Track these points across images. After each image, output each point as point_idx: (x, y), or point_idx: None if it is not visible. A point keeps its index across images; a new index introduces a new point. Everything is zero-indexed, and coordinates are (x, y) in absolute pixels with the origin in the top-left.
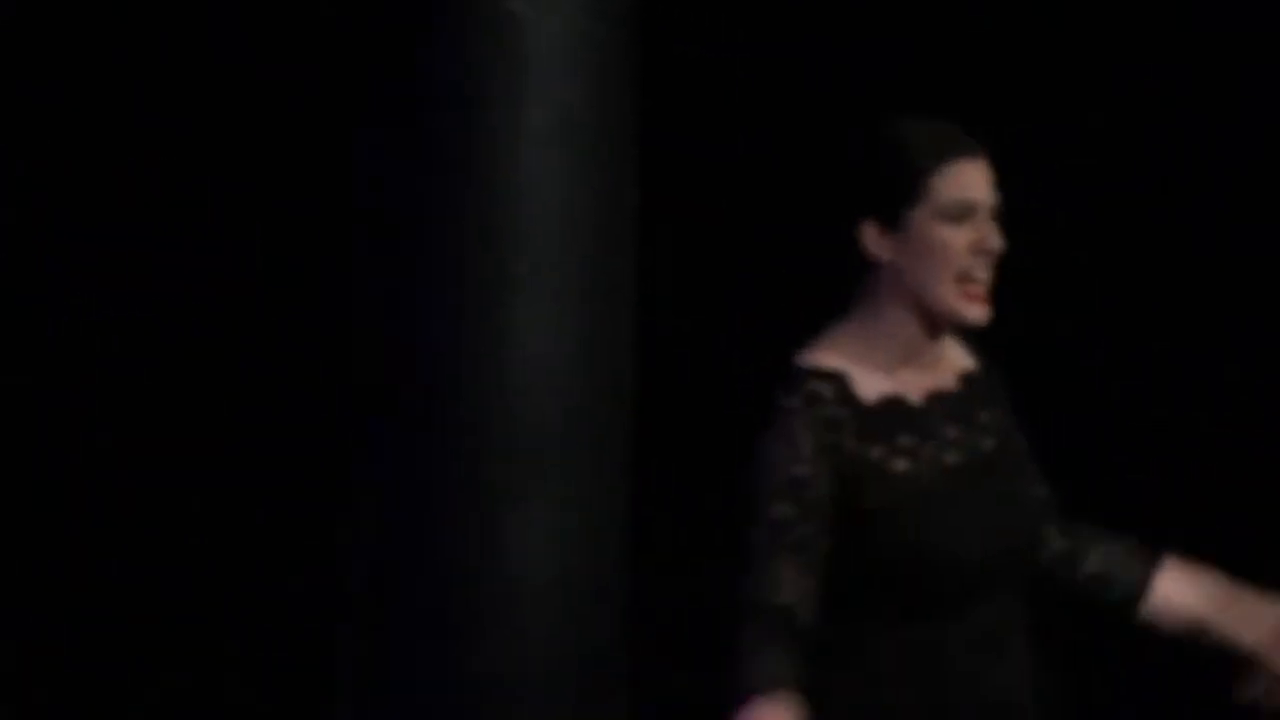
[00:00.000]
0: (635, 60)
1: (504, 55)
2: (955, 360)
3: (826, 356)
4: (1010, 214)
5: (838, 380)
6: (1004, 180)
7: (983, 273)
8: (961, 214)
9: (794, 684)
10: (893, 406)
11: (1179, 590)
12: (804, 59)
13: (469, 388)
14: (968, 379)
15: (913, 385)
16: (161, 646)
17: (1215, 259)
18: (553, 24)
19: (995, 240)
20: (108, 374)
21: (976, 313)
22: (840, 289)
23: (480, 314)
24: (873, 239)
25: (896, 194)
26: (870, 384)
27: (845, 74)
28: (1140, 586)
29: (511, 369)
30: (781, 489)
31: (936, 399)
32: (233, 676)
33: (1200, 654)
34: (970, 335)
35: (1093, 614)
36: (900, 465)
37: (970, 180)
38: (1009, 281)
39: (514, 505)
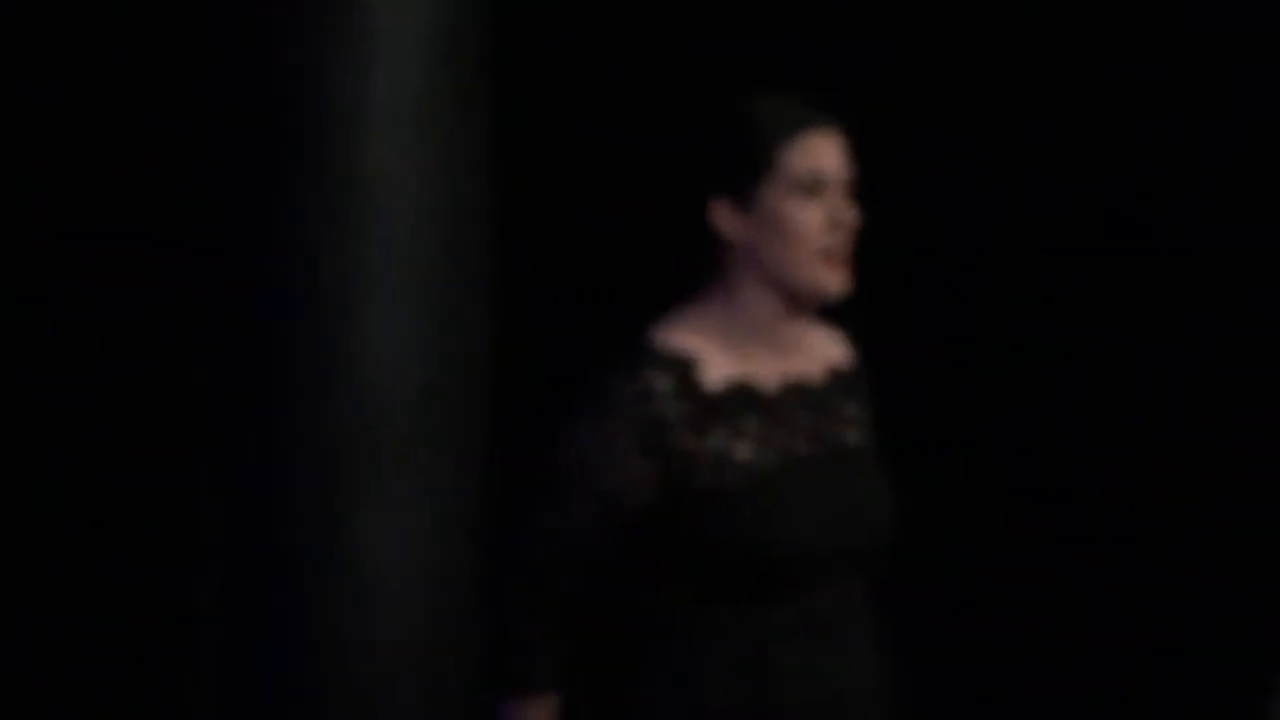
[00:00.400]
0: (489, 45)
1: (353, 41)
2: (823, 350)
3: (677, 337)
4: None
5: (682, 367)
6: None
7: (840, 247)
8: (813, 187)
9: (557, 685)
10: (742, 391)
11: None
12: (661, 34)
13: (320, 383)
14: (836, 371)
15: (769, 369)
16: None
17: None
18: (404, 7)
19: (849, 213)
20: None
21: (836, 282)
22: (693, 270)
23: (331, 307)
24: (725, 218)
25: (746, 170)
26: (720, 367)
27: (709, 48)
28: None
29: (364, 364)
30: (586, 494)
31: (795, 386)
32: (89, 675)
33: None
34: (842, 326)
35: None
36: (743, 451)
37: (821, 152)
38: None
39: (367, 502)
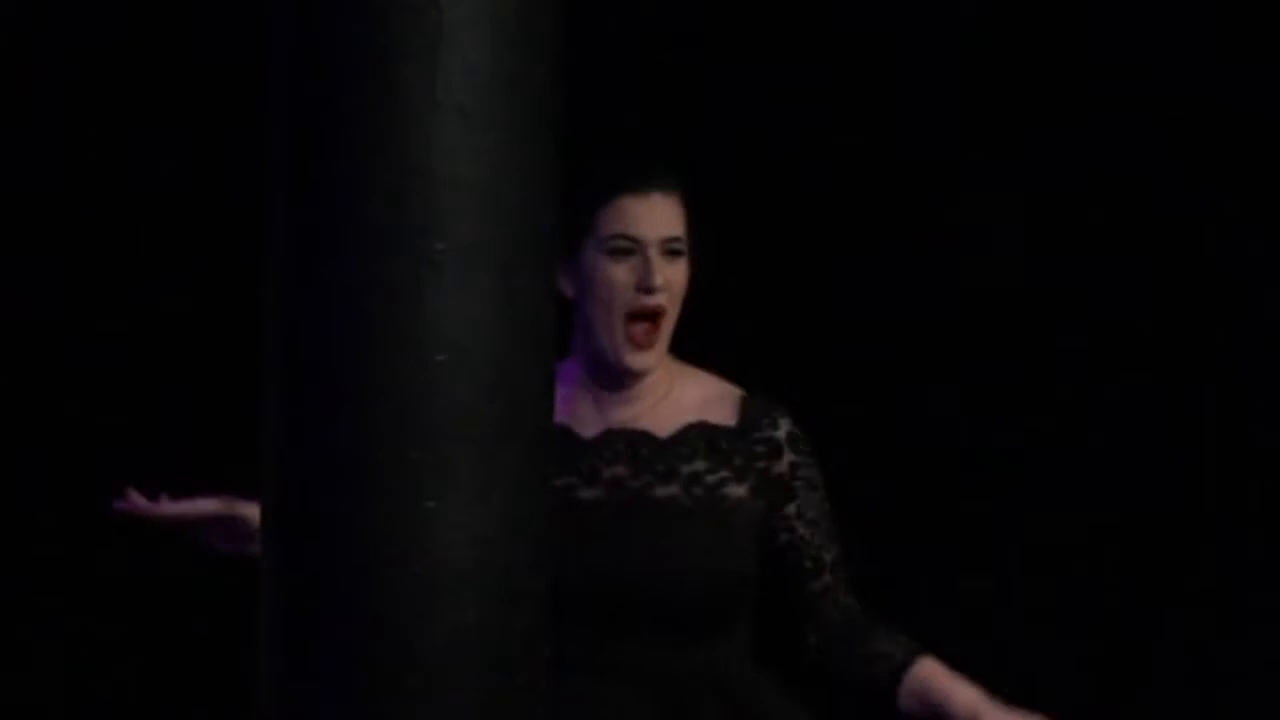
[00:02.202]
0: (558, 29)
1: (419, 24)
2: (693, 404)
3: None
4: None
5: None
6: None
7: (645, 323)
8: (622, 250)
9: None
10: (558, 436)
11: (932, 684)
12: (734, 28)
13: (387, 372)
14: (695, 428)
15: (592, 416)
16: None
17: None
18: None
19: (657, 277)
20: None
21: (638, 360)
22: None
23: (397, 297)
24: (560, 273)
25: (571, 229)
26: (560, 408)
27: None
28: (903, 672)
29: (430, 351)
30: None
31: (620, 435)
32: (155, 656)
33: None
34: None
35: (852, 692)
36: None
37: (631, 217)
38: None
39: (435, 488)
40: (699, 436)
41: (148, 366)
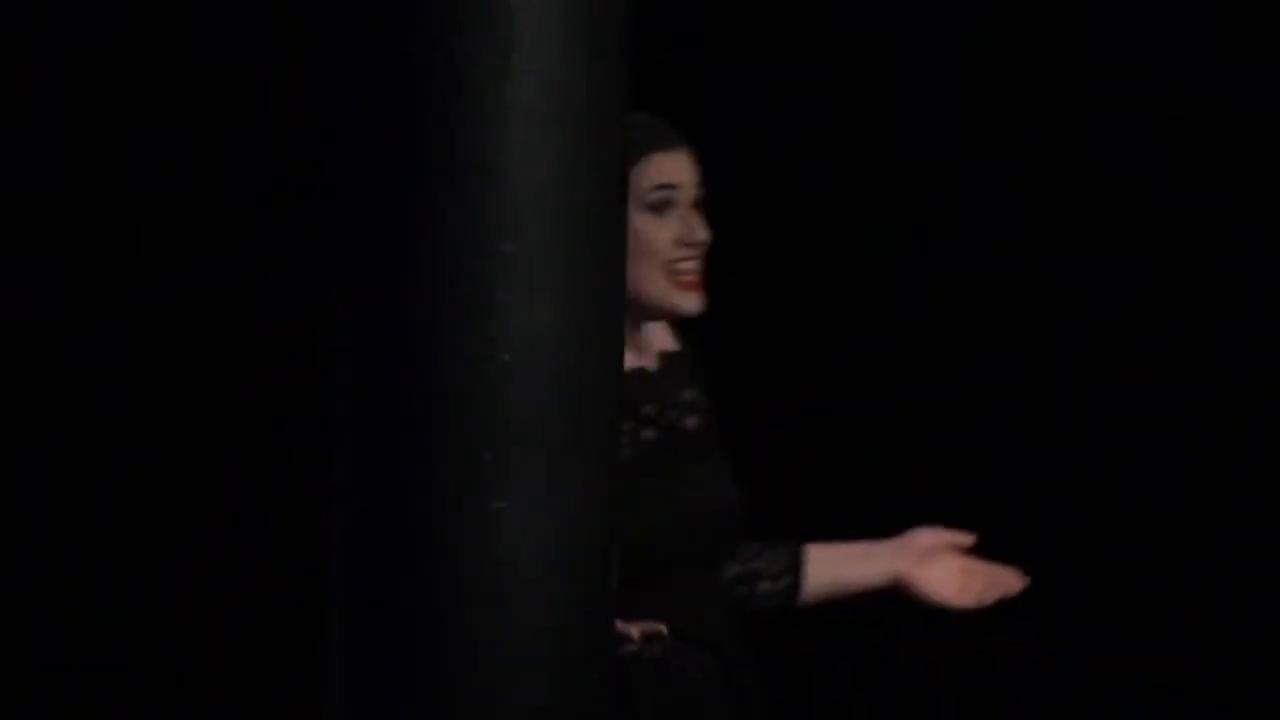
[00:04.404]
0: (626, 34)
1: (491, 28)
2: (655, 339)
3: None
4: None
5: None
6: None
7: (691, 265)
8: (663, 201)
9: None
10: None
11: (822, 566)
12: (734, 28)
13: (458, 374)
14: (668, 356)
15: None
16: (148, 643)
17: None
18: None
19: (700, 231)
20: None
21: (691, 302)
22: None
23: (467, 293)
24: None
25: None
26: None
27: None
28: (796, 578)
29: (501, 353)
30: None
31: (632, 375)
32: (221, 657)
33: None
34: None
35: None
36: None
37: (667, 168)
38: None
39: (502, 489)
40: (675, 363)
41: (148, 366)
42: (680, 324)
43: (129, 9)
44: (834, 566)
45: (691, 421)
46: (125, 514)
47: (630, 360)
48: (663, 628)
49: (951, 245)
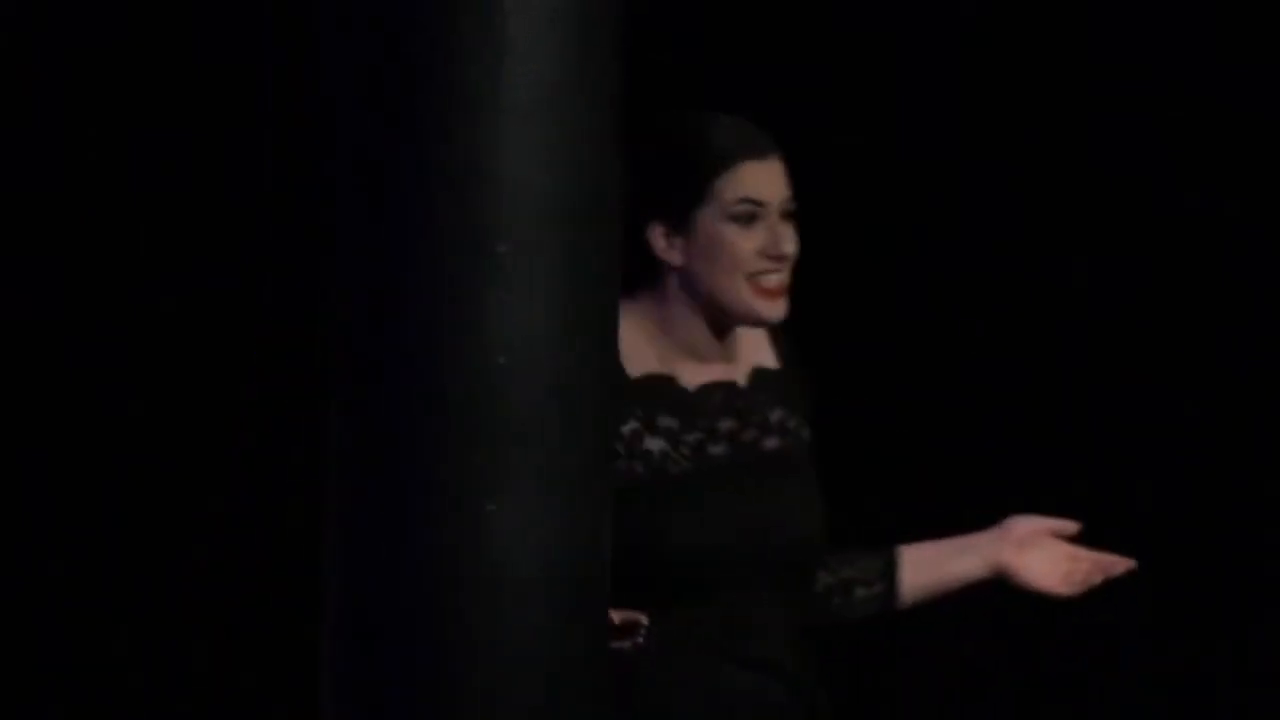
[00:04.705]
0: (619, 35)
1: (484, 29)
2: (753, 354)
3: None
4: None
5: None
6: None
7: (775, 276)
8: (748, 216)
9: None
10: (658, 385)
11: (917, 565)
12: (790, 38)
13: (450, 375)
14: (761, 374)
15: (690, 373)
16: (139, 649)
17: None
18: (534, 0)
19: (787, 244)
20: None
21: (774, 310)
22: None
23: (459, 295)
24: (660, 241)
25: (682, 198)
26: (638, 361)
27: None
28: (892, 582)
29: (494, 356)
30: None
31: (716, 388)
32: (216, 660)
33: None
34: (786, 335)
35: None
36: (655, 445)
37: (757, 181)
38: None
39: (498, 490)
40: (768, 381)
41: (148, 366)
42: (784, 341)
43: (129, 9)
44: (931, 564)
45: (772, 443)
46: (125, 514)
47: (719, 372)
48: (643, 618)
49: (951, 245)
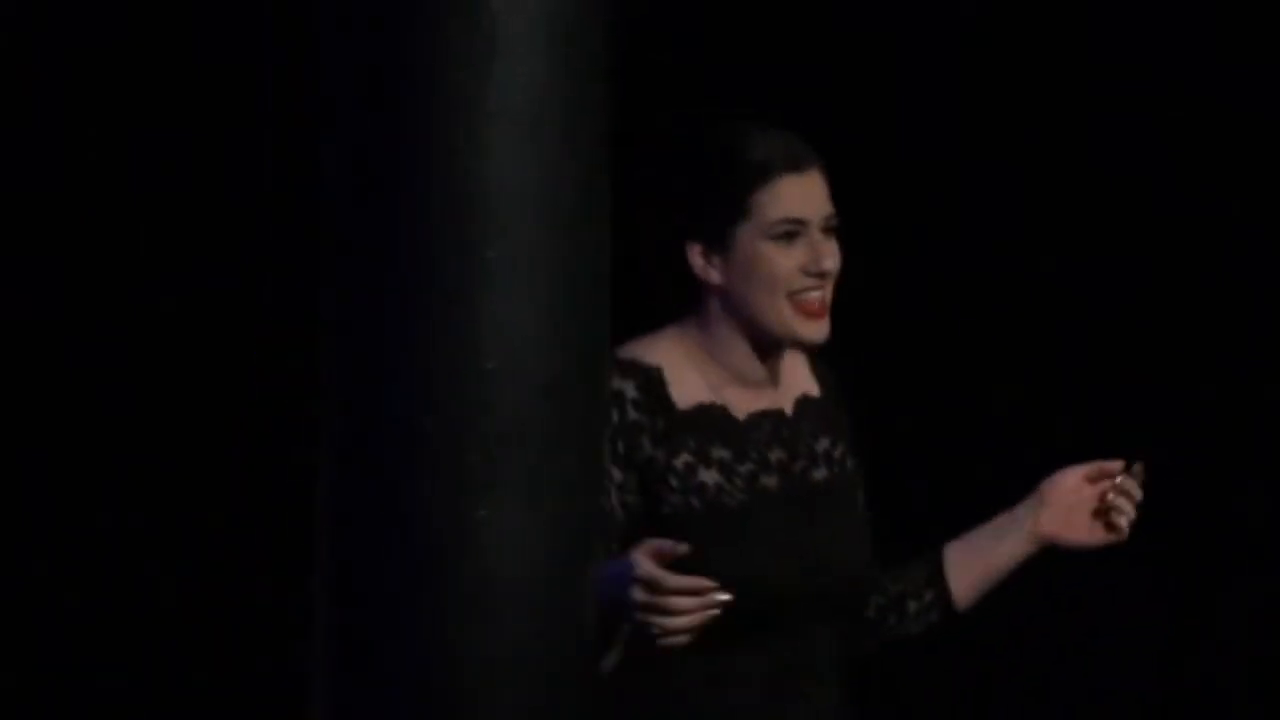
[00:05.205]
0: (608, 41)
1: (473, 35)
2: (797, 383)
3: (647, 352)
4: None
5: (648, 375)
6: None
7: (816, 293)
8: (789, 233)
9: None
10: (710, 416)
11: (962, 564)
12: (779, 45)
13: (441, 380)
14: (806, 403)
15: (740, 401)
16: (139, 649)
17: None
18: (523, 4)
19: (828, 260)
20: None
21: (814, 330)
22: (669, 296)
23: (450, 300)
24: (699, 259)
25: (720, 215)
26: (691, 389)
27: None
28: (941, 587)
29: (484, 360)
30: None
31: (764, 417)
32: (201, 677)
33: None
34: (822, 358)
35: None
36: (709, 477)
37: (796, 198)
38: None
39: (489, 493)
40: (813, 410)
41: (147, 366)
42: (819, 365)
43: (129, 9)
44: (975, 558)
45: (820, 474)
46: (124, 514)
47: (766, 400)
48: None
49: (951, 245)
